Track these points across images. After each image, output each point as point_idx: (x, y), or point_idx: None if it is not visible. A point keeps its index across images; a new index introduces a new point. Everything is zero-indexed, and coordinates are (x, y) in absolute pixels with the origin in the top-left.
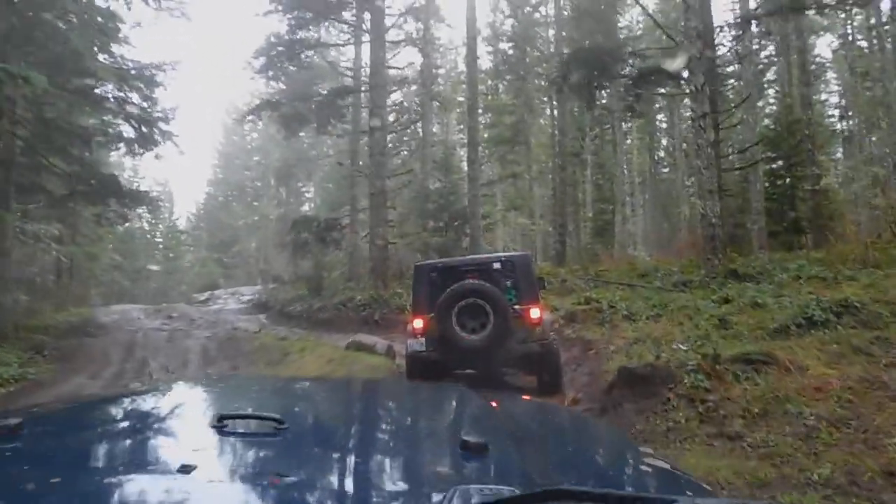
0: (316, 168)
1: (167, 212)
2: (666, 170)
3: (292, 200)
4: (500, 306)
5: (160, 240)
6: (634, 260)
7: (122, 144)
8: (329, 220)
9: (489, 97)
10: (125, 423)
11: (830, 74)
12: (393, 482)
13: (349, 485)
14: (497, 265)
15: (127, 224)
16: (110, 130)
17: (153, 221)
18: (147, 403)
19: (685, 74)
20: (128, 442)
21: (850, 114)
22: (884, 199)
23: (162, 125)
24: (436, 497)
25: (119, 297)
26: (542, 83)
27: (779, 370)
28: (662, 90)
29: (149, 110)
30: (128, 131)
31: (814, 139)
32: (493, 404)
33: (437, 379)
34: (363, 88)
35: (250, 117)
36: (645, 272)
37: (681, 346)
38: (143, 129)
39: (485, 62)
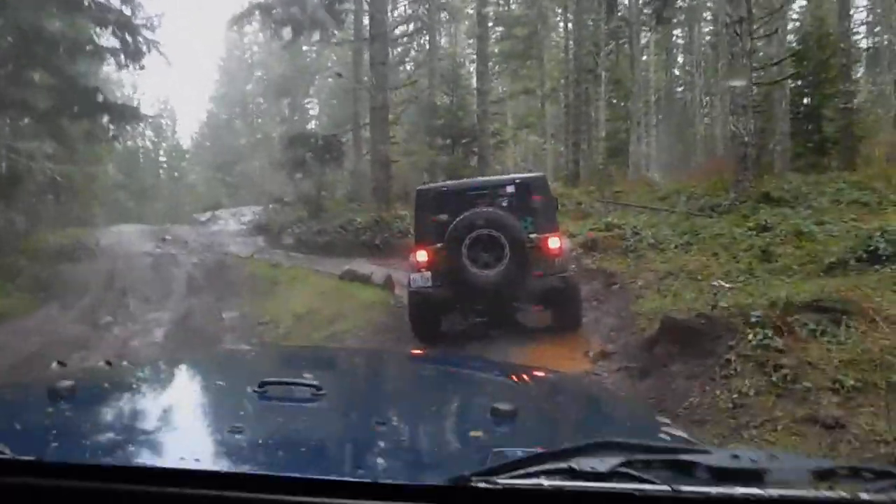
0: (319, 83)
1: (170, 130)
2: (681, 88)
3: (297, 118)
4: (517, 238)
5: (164, 159)
6: (651, 181)
7: (108, 56)
8: (328, 136)
9: (500, 7)
10: (174, 387)
11: None
12: (430, 445)
13: (387, 448)
14: (511, 188)
15: (129, 143)
16: (95, 40)
17: (156, 140)
18: (194, 369)
19: None
20: (178, 404)
21: (877, 29)
22: None
23: (147, 33)
24: (475, 457)
25: (124, 217)
26: None
27: (862, 322)
28: None
29: (130, 16)
30: (112, 42)
31: (849, 53)
32: (514, 377)
33: (444, 317)
34: None
35: (242, 22)
36: (665, 195)
37: (722, 282)
38: (127, 37)
39: None
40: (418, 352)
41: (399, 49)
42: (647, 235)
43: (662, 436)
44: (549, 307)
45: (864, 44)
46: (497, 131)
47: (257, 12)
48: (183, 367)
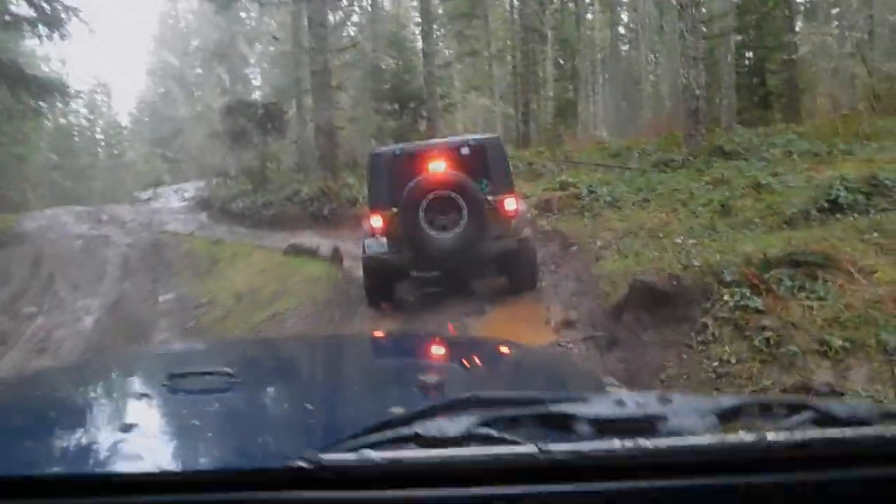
0: (261, 51)
1: (105, 107)
2: (626, 47)
3: (240, 88)
4: (475, 199)
5: (101, 137)
6: (601, 140)
7: (25, 26)
8: (269, 104)
9: None
10: (73, 390)
11: None
12: (345, 423)
13: (303, 427)
14: (465, 150)
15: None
16: (11, 9)
17: (92, 117)
18: (98, 371)
19: None
20: (74, 407)
21: None
22: (864, 66)
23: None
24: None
25: (61, 199)
26: None
27: (839, 275)
28: None
29: None
30: (26, 11)
31: (791, 5)
32: (456, 349)
33: (399, 283)
34: None
35: None
36: (617, 152)
37: (685, 239)
38: (42, 3)
39: None
40: (349, 336)
41: (340, 13)
42: (603, 193)
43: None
44: (505, 270)
45: None
46: (445, 94)
47: None
48: (89, 368)
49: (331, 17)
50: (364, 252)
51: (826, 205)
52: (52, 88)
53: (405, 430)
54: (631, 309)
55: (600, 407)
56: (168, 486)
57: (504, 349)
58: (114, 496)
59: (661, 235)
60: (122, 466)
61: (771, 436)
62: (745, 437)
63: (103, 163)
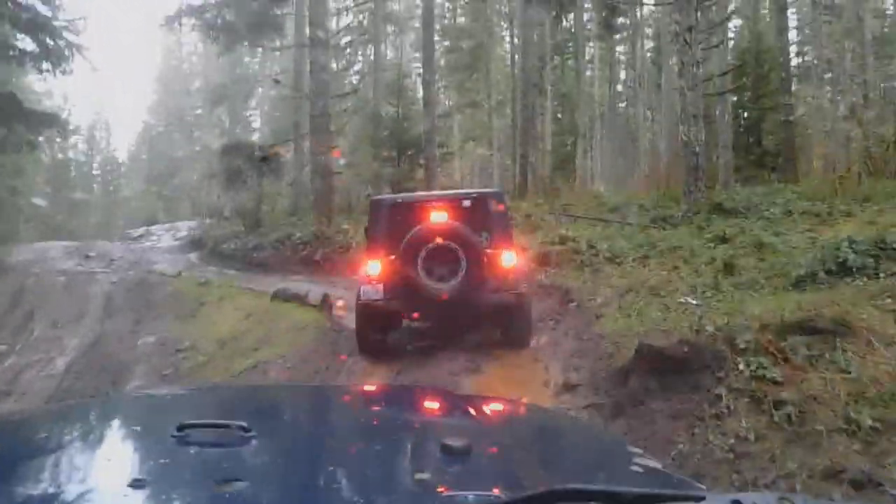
0: (262, 94)
1: (104, 141)
2: (623, 104)
3: (239, 130)
4: (474, 250)
5: (98, 172)
6: (598, 194)
7: (27, 61)
8: (266, 146)
9: (446, 20)
10: (76, 436)
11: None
12: (370, 491)
13: (322, 494)
14: (467, 203)
15: (59, 155)
16: (14, 43)
17: (90, 152)
18: (103, 414)
19: None
20: (79, 456)
21: (805, 49)
22: (860, 129)
23: (69, 36)
24: None
25: (54, 232)
26: (503, 8)
27: (857, 343)
28: None
29: (49, 17)
30: (30, 45)
31: (788, 68)
32: (472, 407)
33: (391, 330)
34: None
35: (174, 23)
36: (615, 206)
37: (689, 299)
38: (47, 40)
39: None
40: (360, 386)
41: (343, 61)
42: (603, 248)
43: (635, 467)
44: (500, 324)
45: (794, 62)
46: (444, 143)
47: (190, 16)
48: (88, 412)
49: (333, 64)
50: (359, 298)
51: (834, 267)
52: (49, 123)
53: None
54: (637, 374)
55: None
56: None
57: (521, 409)
58: None
59: (662, 294)
60: None
61: None
62: None
63: (98, 199)
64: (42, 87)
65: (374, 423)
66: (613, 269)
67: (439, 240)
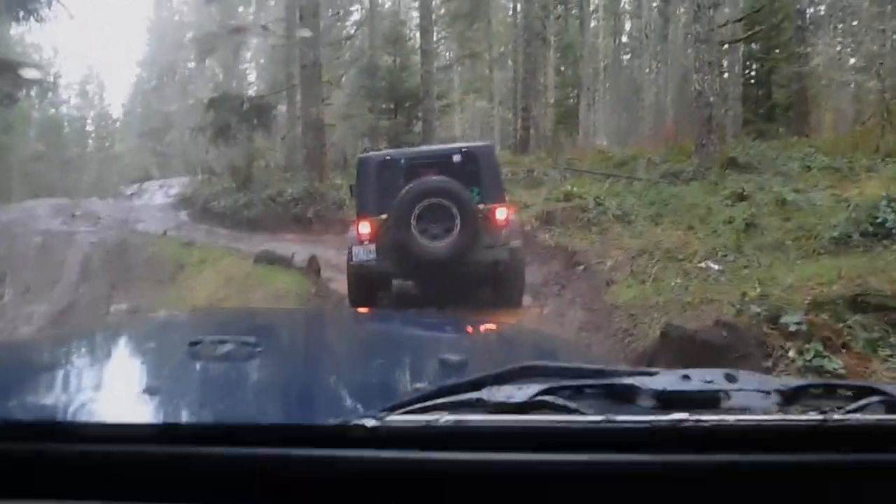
0: (256, 45)
1: (97, 97)
2: (627, 56)
3: (234, 84)
4: (468, 208)
5: (91, 128)
6: (603, 148)
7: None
8: (256, 99)
9: None
10: (92, 351)
11: None
12: (370, 400)
13: (325, 402)
14: (457, 157)
15: (52, 111)
16: None
17: (83, 108)
18: (119, 333)
19: None
20: (95, 367)
21: None
22: (877, 81)
23: None
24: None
25: (46, 190)
26: None
27: None
28: None
29: None
30: None
31: (803, 16)
32: (469, 328)
33: (384, 292)
34: None
35: None
36: (622, 161)
37: (710, 263)
38: None
39: None
40: (364, 310)
41: (340, 11)
42: (612, 206)
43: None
44: (492, 281)
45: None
46: (443, 95)
47: None
48: (104, 332)
49: (329, 11)
50: (350, 260)
51: (871, 228)
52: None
53: (470, 395)
54: (663, 362)
55: (665, 381)
56: (220, 438)
57: (516, 330)
58: (164, 445)
59: (679, 257)
60: (168, 418)
61: (836, 415)
62: (809, 415)
63: (93, 155)
64: (30, 40)
65: (376, 340)
66: (623, 228)
67: (432, 197)
